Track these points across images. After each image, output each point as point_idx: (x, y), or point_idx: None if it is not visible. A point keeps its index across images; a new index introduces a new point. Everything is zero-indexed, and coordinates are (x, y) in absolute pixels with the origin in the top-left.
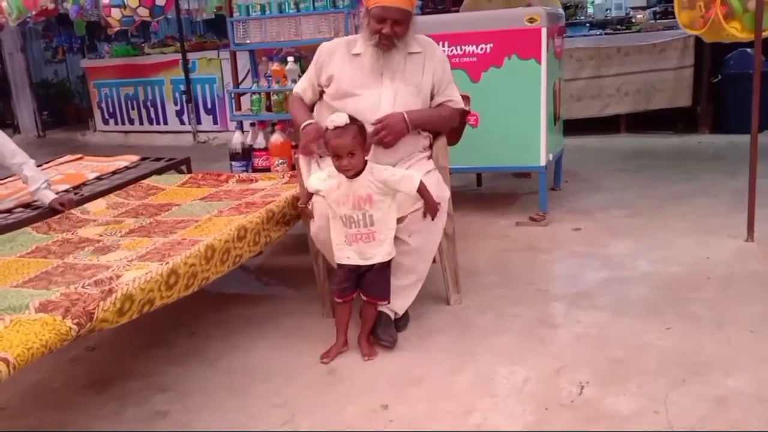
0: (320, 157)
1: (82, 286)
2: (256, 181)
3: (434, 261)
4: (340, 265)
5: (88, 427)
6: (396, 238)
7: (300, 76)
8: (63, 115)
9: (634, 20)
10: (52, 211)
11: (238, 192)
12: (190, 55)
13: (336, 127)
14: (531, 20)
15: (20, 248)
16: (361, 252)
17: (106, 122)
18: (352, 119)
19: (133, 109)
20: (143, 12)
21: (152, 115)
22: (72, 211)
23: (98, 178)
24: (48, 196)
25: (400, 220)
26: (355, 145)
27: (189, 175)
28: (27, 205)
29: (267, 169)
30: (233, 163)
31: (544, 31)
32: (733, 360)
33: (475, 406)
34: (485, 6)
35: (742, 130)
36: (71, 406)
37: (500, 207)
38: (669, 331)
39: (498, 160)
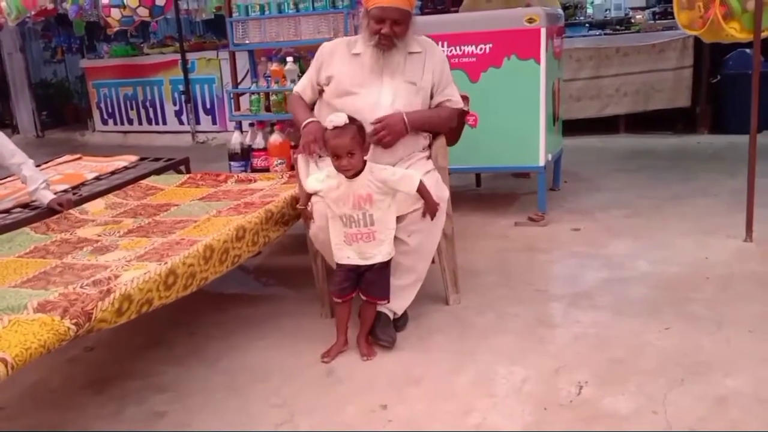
0: (319, 157)
1: (81, 287)
2: (255, 181)
3: (433, 261)
4: (339, 265)
5: (87, 428)
6: (395, 237)
7: (299, 76)
8: (62, 115)
9: (633, 21)
10: (50, 211)
11: (237, 192)
12: (190, 56)
13: (335, 127)
14: (530, 20)
15: (18, 248)
16: (361, 252)
17: (105, 122)
18: (351, 119)
19: (132, 109)
20: (143, 12)
21: (151, 115)
22: (70, 211)
23: (97, 179)
24: (47, 197)
25: (399, 220)
26: (354, 145)
27: (188, 176)
28: (25, 205)
29: (266, 170)
30: (232, 163)
31: (543, 32)
32: (732, 360)
33: (474, 406)
34: (484, 6)
35: (741, 131)
36: (70, 406)
37: (499, 207)
38: (668, 331)
39: (497, 161)
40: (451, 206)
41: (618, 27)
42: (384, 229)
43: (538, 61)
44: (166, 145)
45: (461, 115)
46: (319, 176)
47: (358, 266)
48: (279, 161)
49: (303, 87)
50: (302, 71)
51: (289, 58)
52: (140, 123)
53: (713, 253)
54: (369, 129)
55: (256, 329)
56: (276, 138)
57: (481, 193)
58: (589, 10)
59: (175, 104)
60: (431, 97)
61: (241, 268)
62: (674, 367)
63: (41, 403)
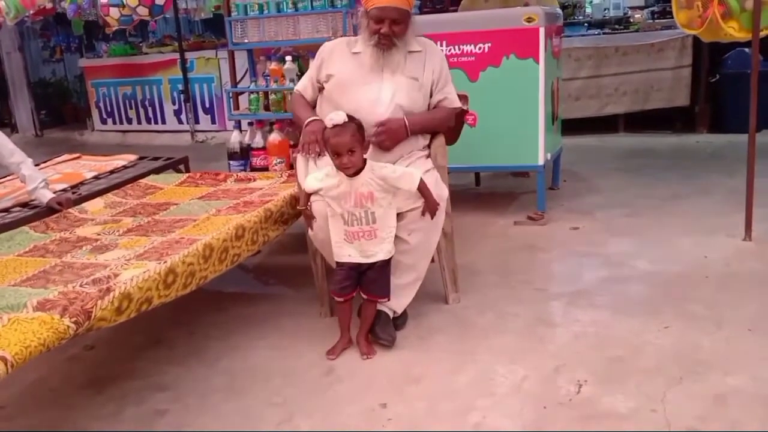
0: (318, 155)
1: (80, 285)
2: (254, 180)
3: (432, 260)
4: (339, 264)
5: (87, 427)
6: (395, 236)
7: (298, 76)
8: (61, 114)
9: (632, 20)
10: (49, 210)
11: (236, 191)
12: (189, 55)
13: (335, 126)
14: (529, 20)
15: (18, 247)
16: (362, 250)
17: (104, 121)
18: (350, 117)
19: (131, 108)
20: (143, 11)
21: (150, 114)
22: (70, 210)
23: (96, 178)
24: (46, 195)
25: (399, 218)
26: (354, 143)
27: (187, 175)
28: (25, 204)
29: (265, 169)
30: (231, 162)
31: (542, 31)
32: (731, 359)
33: (473, 404)
34: (483, 6)
35: (740, 130)
36: (70, 405)
37: (499, 206)
38: (667, 330)
39: (496, 160)
40: (450, 205)
41: (617, 26)
42: (385, 227)
43: (537, 61)
44: (165, 145)
45: (460, 115)
46: (318, 175)
47: (359, 265)
48: (278, 160)
49: (304, 86)
50: (301, 70)
51: (288, 57)
52: (139, 122)
53: (712, 252)
54: (369, 127)
55: (256, 328)
56: (275, 137)
57: (480, 192)
58: (588, 10)
59: (174, 103)
60: (430, 95)
61: (241, 267)
62: (673, 365)
63: (41, 402)
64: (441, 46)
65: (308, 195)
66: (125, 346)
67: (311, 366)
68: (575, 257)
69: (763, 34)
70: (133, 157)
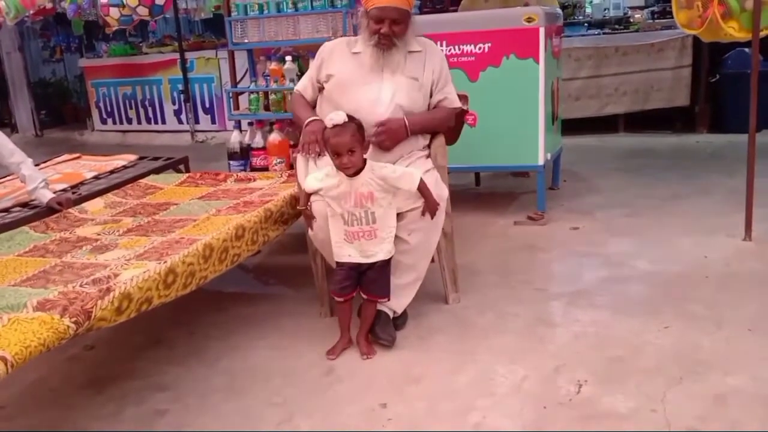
0: (318, 155)
1: (80, 285)
2: (254, 180)
3: (432, 260)
4: (339, 264)
5: (87, 427)
6: (395, 236)
7: (298, 75)
8: (61, 114)
9: (632, 20)
10: (49, 210)
11: (236, 191)
12: (189, 55)
13: (335, 126)
14: (529, 20)
15: (18, 247)
16: (362, 250)
17: (104, 122)
18: (350, 117)
19: (131, 108)
20: (143, 11)
21: (150, 114)
22: (70, 210)
23: (96, 178)
24: (46, 195)
25: (399, 218)
26: (354, 143)
27: (187, 175)
28: (25, 204)
29: (265, 169)
30: (231, 162)
31: (541, 31)
32: (731, 359)
33: (473, 404)
34: (483, 6)
35: (740, 130)
36: (70, 405)
37: (499, 206)
38: (667, 330)
39: (496, 160)
40: (450, 205)
41: (617, 26)
42: (385, 227)
43: (537, 61)
44: (165, 145)
45: (460, 115)
46: (318, 175)
47: (359, 264)
48: (278, 160)
49: (304, 86)
50: (301, 70)
51: (288, 57)
52: (139, 122)
53: (712, 252)
54: (369, 127)
55: (256, 328)
56: (275, 137)
57: (480, 192)
58: (588, 10)
59: (174, 103)
60: (430, 95)
61: (241, 267)
62: (673, 365)
63: (41, 402)
64: (441, 46)
65: (308, 195)
66: (125, 346)
67: (311, 366)
68: (575, 257)
69: (763, 34)
70: (133, 157)
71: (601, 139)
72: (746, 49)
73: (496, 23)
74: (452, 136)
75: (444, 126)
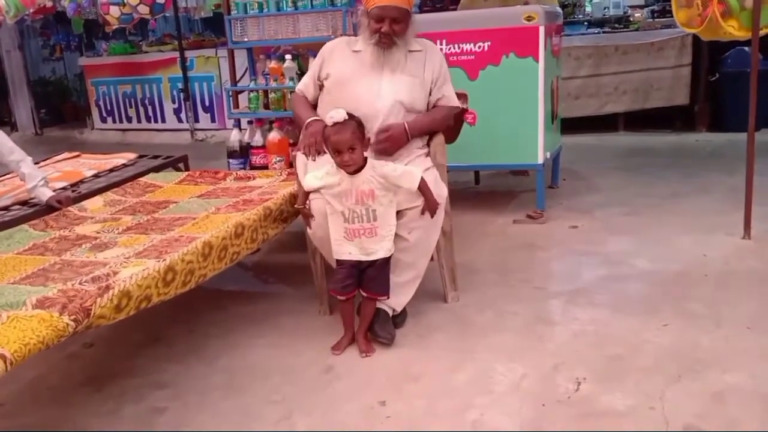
0: (318, 154)
1: (79, 283)
2: (254, 178)
3: (432, 259)
4: (340, 262)
5: (86, 425)
6: (395, 234)
7: (297, 74)
8: (61, 112)
9: (632, 19)
10: (49, 208)
11: (236, 189)
12: (188, 53)
13: (335, 123)
14: (529, 18)
15: (17, 245)
16: (363, 247)
17: (103, 120)
18: (350, 115)
19: (130, 107)
20: (143, 9)
21: (150, 113)
22: (69, 208)
23: (96, 176)
24: (45, 194)
25: (399, 217)
26: (354, 140)
27: (186, 173)
28: (24, 203)
29: (264, 167)
30: (231, 160)
31: (541, 30)
32: (729, 357)
33: (472, 402)
34: (482, 5)
35: (740, 129)
36: (69, 402)
37: (498, 205)
38: (666, 328)
39: (496, 158)
40: (449, 204)
41: (617, 25)
42: (385, 224)
43: (536, 59)
44: (165, 143)
45: (460, 114)
46: (317, 174)
47: (359, 262)
48: (278, 159)
49: (305, 85)
50: (300, 69)
51: (288, 56)
52: (139, 121)
53: (711, 251)
54: (369, 121)
55: (255, 327)
56: (275, 135)
57: (479, 190)
58: (588, 9)
59: (173, 102)
60: (429, 93)
61: (240, 265)
62: (672, 364)
63: (40, 400)
64: (441, 44)
65: (306, 194)
66: (124, 344)
67: (310, 364)
68: (574, 256)
69: (762, 32)
70: (132, 156)
71: (601, 137)
72: (746, 48)
73: (495, 22)
74: (451, 135)
75: (443, 126)
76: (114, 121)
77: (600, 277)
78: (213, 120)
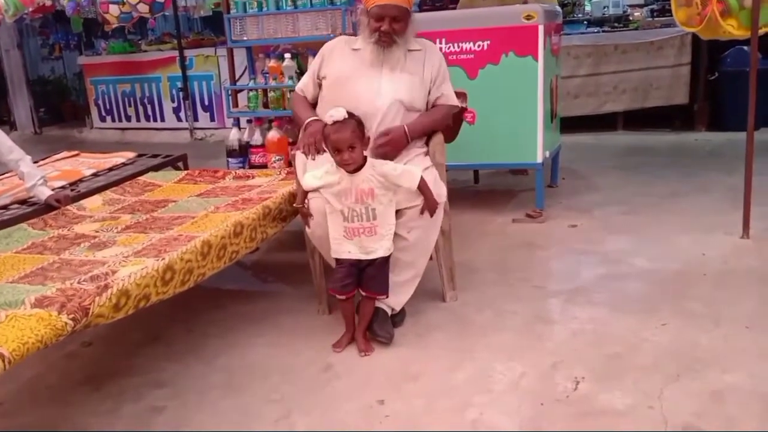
0: (318, 153)
1: (78, 282)
2: (253, 177)
3: (431, 258)
4: (339, 261)
5: (84, 424)
6: (394, 233)
7: (297, 73)
8: (60, 112)
9: (631, 18)
10: (48, 207)
11: (235, 188)
12: (188, 52)
13: (335, 122)
14: (528, 17)
15: (16, 244)
16: (362, 246)
17: (102, 119)
18: (350, 114)
19: (130, 106)
20: (143, 8)
21: (149, 112)
22: (68, 207)
23: (95, 175)
24: (44, 193)
25: (398, 216)
26: (354, 139)
27: (186, 172)
28: (23, 202)
29: (264, 166)
30: (230, 159)
31: (541, 29)
32: (728, 356)
33: (471, 401)
34: (482, 3)
35: (739, 128)
36: (67, 402)
37: (497, 204)
38: (665, 328)
39: (495, 157)
40: (448, 203)
41: (616, 24)
42: (385, 223)
43: (536, 58)
44: (164, 142)
45: (459, 113)
46: (317, 173)
47: (359, 261)
48: (277, 158)
49: (305, 84)
50: (300, 68)
51: (287, 55)
52: (138, 120)
53: (710, 250)
54: (368, 119)
55: (254, 326)
56: (274, 134)
57: (479, 189)
58: (588, 8)
59: (173, 101)
60: (429, 92)
61: (239, 264)
62: (671, 363)
63: (38, 399)
64: (440, 43)
65: (305, 193)
66: (123, 343)
67: (309, 363)
68: (573, 255)
69: (761, 31)
70: (131, 155)
71: (600, 137)
72: (745, 47)
73: (495, 21)
74: (451, 135)
75: (442, 125)
76: (113, 120)
77: (599, 276)
78: (212, 119)
